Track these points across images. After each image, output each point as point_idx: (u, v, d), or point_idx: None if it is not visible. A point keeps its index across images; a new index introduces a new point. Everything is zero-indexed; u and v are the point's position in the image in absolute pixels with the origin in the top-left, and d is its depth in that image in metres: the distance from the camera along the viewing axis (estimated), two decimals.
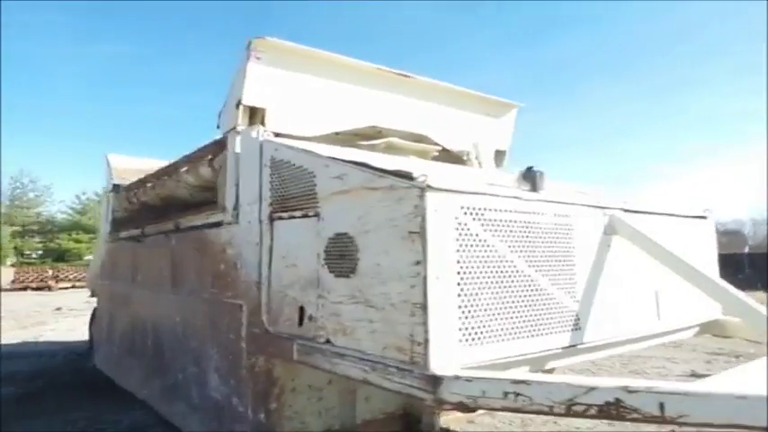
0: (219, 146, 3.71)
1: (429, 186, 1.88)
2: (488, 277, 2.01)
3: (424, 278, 1.83)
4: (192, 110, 70.54)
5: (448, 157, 4.16)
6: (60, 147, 70.39)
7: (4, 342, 7.94)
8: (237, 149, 3.19)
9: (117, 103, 70.18)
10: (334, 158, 2.37)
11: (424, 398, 1.79)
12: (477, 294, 1.96)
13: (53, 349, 7.18)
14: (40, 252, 40.45)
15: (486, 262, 2.02)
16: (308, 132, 3.36)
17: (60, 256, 37.93)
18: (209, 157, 3.77)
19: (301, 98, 3.34)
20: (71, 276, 24.15)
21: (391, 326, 1.97)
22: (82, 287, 23.82)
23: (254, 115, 3.24)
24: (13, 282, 22.15)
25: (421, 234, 1.86)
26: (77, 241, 39.26)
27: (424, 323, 1.81)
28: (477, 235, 2.01)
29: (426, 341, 1.80)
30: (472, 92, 4.25)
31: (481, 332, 1.96)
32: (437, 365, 1.80)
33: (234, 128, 3.19)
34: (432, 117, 4.03)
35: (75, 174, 72.23)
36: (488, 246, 2.04)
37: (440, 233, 1.88)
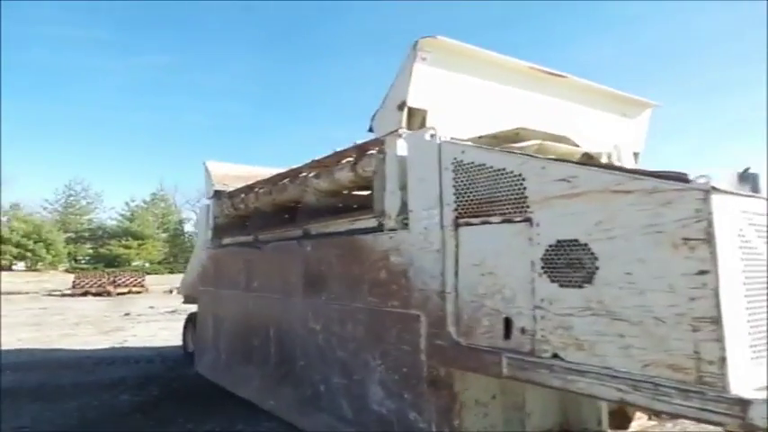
0: (362, 149, 3.65)
1: (714, 188, 1.71)
2: (765, 288, 1.83)
3: (715, 290, 1.67)
4: (227, 118, 71.85)
5: (588, 159, 3.98)
6: (109, 155, 72.89)
7: (95, 347, 8.14)
8: (401, 152, 3.10)
9: (158, 112, 72.16)
10: (556, 160, 2.23)
11: (726, 423, 1.62)
12: (759, 307, 1.78)
13: (146, 355, 7.28)
14: (88, 257, 41.91)
15: (761, 270, 1.84)
16: (460, 135, 3.25)
17: (110, 262, 39.26)
18: (351, 161, 3.70)
19: (460, 99, 3.23)
20: (128, 282, 24.79)
21: (658, 341, 1.81)
22: (138, 292, 24.54)
23: (412, 117, 3.15)
24: (73, 287, 22.91)
25: (707, 241, 1.69)
26: (126, 247, 40.51)
27: (719, 339, 1.65)
28: (751, 241, 1.83)
29: (723, 359, 1.64)
30: (612, 90, 4.06)
31: (764, 349, 1.78)
32: (738, 386, 1.62)
33: (396, 130, 3.10)
34: (573, 117, 3.87)
35: (124, 181, 74.70)
36: (760, 253, 1.86)
37: (726, 239, 1.72)
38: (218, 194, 5.97)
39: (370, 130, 3.39)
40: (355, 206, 4.46)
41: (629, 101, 4.17)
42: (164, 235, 46.77)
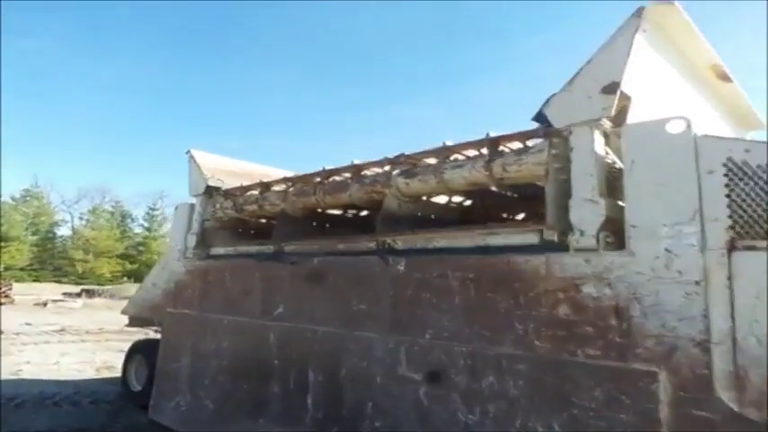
0: (495, 144, 2.85)
1: None
2: None
3: None
4: (117, 112, 65.19)
5: None
6: None
7: None
8: (597, 148, 2.35)
9: (40, 101, 63.44)
10: None
11: None
12: None
13: (63, 393, 5.50)
14: None
15: None
16: None
17: None
18: (483, 157, 2.86)
19: (647, 89, 2.56)
20: None
21: None
22: (1, 304, 20.46)
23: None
24: None
25: None
26: None
27: None
28: None
29: None
30: (747, 103, 3.53)
31: None
32: None
33: (598, 119, 2.35)
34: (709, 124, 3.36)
35: None
36: None
37: None
38: (210, 191, 4.73)
39: (539, 119, 2.61)
40: (446, 215, 3.60)
41: (748, 116, 3.68)
42: (33, 237, 40.63)
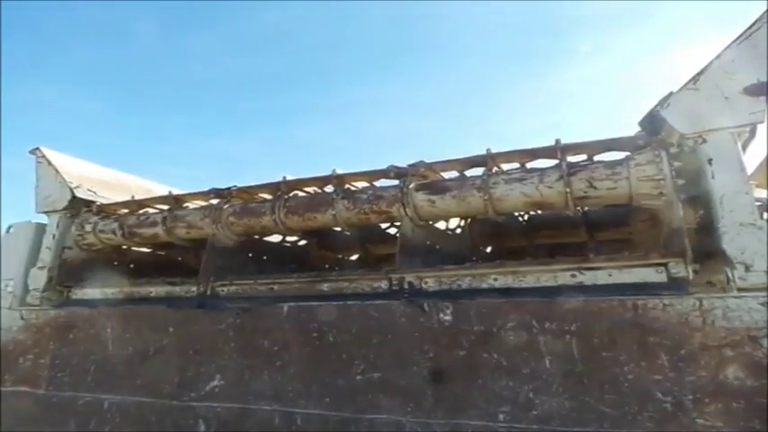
0: (564, 151, 2.05)
1: None
2: None
3: None
4: None
5: None
6: None
7: None
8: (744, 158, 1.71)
9: None
10: None
11: None
12: None
13: None
14: None
15: None
16: None
17: None
18: (557, 168, 2.01)
19: None
20: None
21: None
22: None
23: None
24: None
25: None
26: None
27: None
28: None
29: None
30: None
31: None
32: None
33: (748, 125, 1.72)
34: None
35: None
36: None
37: None
38: (76, 206, 2.96)
39: (647, 125, 1.89)
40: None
41: None
42: None
